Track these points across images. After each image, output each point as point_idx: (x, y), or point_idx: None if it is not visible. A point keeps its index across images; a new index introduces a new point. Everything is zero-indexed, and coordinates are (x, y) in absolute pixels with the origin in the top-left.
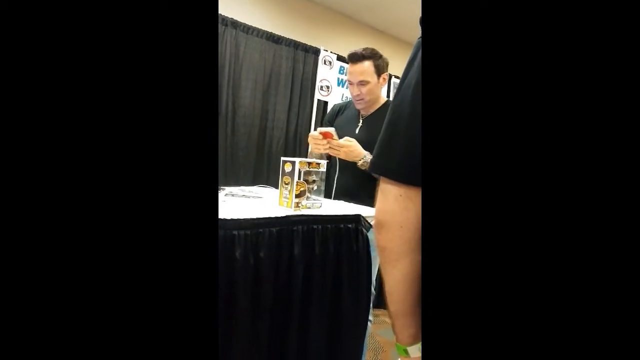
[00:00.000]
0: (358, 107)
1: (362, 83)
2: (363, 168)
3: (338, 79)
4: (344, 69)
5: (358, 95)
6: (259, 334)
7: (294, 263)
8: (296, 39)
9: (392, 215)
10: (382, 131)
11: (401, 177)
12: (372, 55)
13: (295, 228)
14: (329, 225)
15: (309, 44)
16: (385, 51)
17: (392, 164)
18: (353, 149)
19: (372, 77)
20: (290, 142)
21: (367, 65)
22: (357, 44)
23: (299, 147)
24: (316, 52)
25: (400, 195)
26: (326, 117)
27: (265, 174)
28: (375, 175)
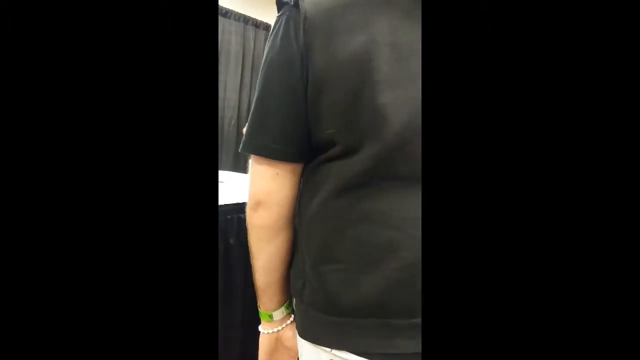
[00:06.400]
0: None
1: None
2: None
3: None
4: None
5: None
6: (232, 315)
7: None
8: (245, 13)
9: (270, 195)
10: (252, 109)
11: (277, 155)
12: None
13: None
14: None
15: (259, 19)
16: None
17: (267, 142)
18: None
19: None
20: (242, 122)
21: None
22: None
23: None
24: (267, 27)
25: (277, 174)
26: None
27: (218, 156)
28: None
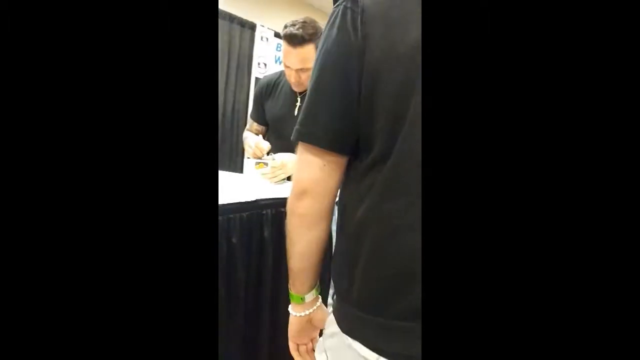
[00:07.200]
0: (296, 89)
1: (303, 70)
2: None
3: (275, 56)
4: (281, 46)
5: (297, 81)
6: (235, 313)
7: (264, 246)
8: (231, 12)
9: (317, 184)
10: (306, 99)
11: (326, 144)
12: (313, 36)
13: (264, 212)
14: None
15: (244, 18)
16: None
17: (318, 131)
18: (288, 163)
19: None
20: (227, 120)
21: (309, 49)
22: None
23: (237, 126)
24: (252, 27)
25: (325, 165)
26: (254, 97)
27: (217, 156)
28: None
